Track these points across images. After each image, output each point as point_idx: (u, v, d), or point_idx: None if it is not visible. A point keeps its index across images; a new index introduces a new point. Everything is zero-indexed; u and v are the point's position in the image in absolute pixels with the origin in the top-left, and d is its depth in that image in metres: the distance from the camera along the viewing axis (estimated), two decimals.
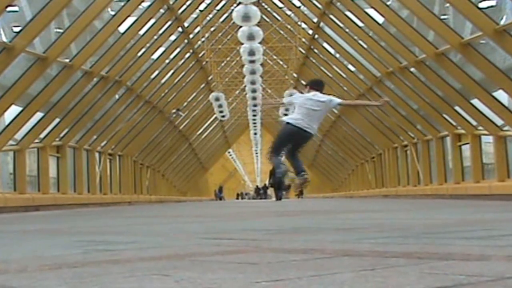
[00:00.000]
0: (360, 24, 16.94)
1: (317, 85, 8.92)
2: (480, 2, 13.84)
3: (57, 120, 16.02)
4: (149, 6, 16.74)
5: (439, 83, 14.86)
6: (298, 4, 20.68)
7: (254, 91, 23.77)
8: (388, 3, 15.71)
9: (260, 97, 25.95)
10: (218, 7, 21.72)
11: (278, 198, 23.98)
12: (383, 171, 23.83)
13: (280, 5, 22.21)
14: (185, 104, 26.27)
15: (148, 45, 18.45)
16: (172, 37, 20.51)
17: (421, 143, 18.61)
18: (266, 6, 22.56)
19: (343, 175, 34.05)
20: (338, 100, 9.00)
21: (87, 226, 5.69)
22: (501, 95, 12.87)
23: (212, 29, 22.61)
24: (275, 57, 26.77)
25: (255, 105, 27.03)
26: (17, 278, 1.93)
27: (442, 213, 6.42)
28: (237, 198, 64.63)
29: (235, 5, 18.54)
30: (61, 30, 14.92)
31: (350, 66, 20.95)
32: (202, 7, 20.60)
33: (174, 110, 24.14)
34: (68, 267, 2.14)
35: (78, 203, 16.72)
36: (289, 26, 22.81)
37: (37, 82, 13.55)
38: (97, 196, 18.98)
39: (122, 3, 15.42)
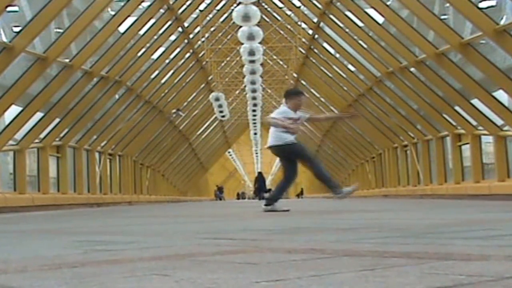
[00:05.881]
0: (360, 24, 16.95)
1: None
2: (480, 2, 13.85)
3: (57, 120, 16.02)
4: (149, 6, 16.74)
5: (439, 83, 14.86)
6: (298, 4, 20.68)
7: (254, 91, 23.79)
8: (388, 3, 15.71)
9: (260, 97, 25.99)
10: (218, 7, 21.73)
11: (261, 198, 28.39)
12: (383, 171, 23.83)
13: (280, 5, 22.22)
14: (185, 104, 26.28)
15: (148, 45, 18.45)
16: (172, 37, 20.51)
17: (421, 143, 18.61)
18: (266, 6, 22.57)
19: (343, 175, 34.05)
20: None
21: (87, 226, 5.69)
22: (501, 95, 12.87)
23: (212, 29, 22.61)
24: (275, 57, 26.78)
25: (255, 105, 27.05)
26: (17, 278, 1.93)
27: (442, 213, 6.42)
28: (238, 198, 64.74)
29: (235, 5, 18.54)
30: (61, 30, 14.92)
31: (350, 66, 20.96)
32: (202, 7, 20.60)
33: (174, 110, 24.14)
34: (68, 267, 2.14)
35: (78, 203, 16.72)
36: (289, 26, 22.82)
37: (37, 82, 13.55)
38: (97, 196, 18.98)
39: (122, 3, 15.42)
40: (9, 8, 11.78)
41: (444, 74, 14.53)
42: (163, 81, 22.17)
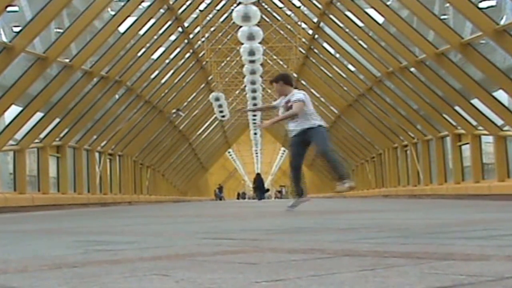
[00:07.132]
0: (360, 24, 16.95)
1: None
2: (480, 2, 13.84)
3: (57, 120, 16.02)
4: (149, 6, 16.74)
5: (439, 83, 14.86)
6: (298, 4, 20.68)
7: (254, 91, 23.79)
8: (388, 3, 15.71)
9: (260, 97, 25.98)
10: (218, 7, 21.72)
11: (260, 198, 31.41)
12: (383, 171, 23.83)
13: (280, 5, 22.21)
14: (185, 104, 26.28)
15: (148, 45, 18.45)
16: (172, 37, 20.51)
17: (421, 143, 18.61)
18: (266, 6, 22.56)
19: None
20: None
21: (87, 226, 5.69)
22: (501, 95, 12.87)
23: (212, 29, 22.61)
24: (275, 57, 26.77)
25: (255, 105, 27.02)
26: (17, 278, 1.93)
27: (442, 213, 6.42)
28: (238, 198, 64.83)
29: (235, 5, 18.54)
30: (61, 30, 14.92)
31: (350, 66, 20.96)
32: (202, 7, 20.60)
33: (174, 110, 24.15)
34: (68, 267, 2.14)
35: (78, 203, 16.72)
36: (289, 26, 22.81)
37: (37, 82, 13.55)
38: (97, 196, 18.98)
39: (122, 3, 15.42)
40: (9, 8, 11.78)
41: (444, 74, 14.52)
42: (163, 81, 22.17)
